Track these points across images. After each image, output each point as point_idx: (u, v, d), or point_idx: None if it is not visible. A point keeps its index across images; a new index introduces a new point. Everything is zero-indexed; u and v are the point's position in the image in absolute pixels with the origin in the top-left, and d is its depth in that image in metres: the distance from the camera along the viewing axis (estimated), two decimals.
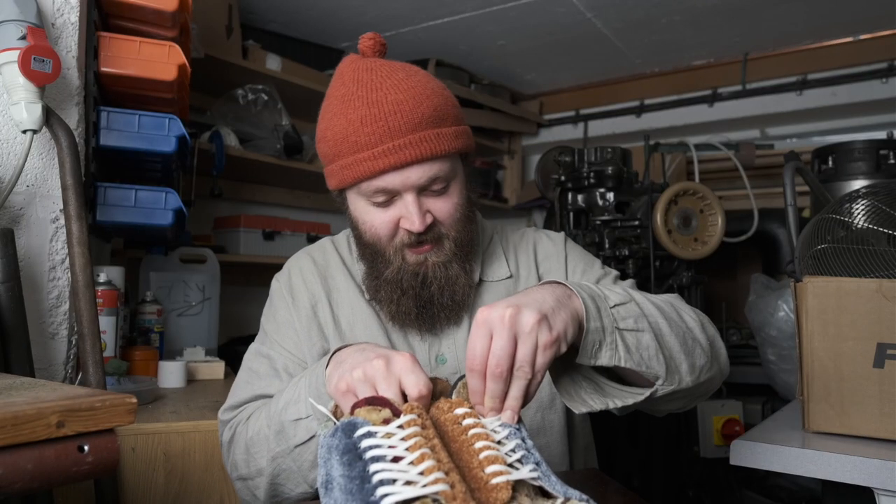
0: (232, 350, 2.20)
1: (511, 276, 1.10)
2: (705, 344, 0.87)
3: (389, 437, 0.61)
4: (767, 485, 2.41)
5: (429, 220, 0.94)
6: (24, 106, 1.14)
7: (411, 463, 0.58)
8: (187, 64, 1.44)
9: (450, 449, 0.63)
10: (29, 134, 1.17)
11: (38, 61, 1.13)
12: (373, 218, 0.96)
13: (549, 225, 2.90)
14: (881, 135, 2.10)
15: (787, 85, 2.95)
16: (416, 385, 0.69)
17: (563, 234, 1.20)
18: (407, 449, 0.59)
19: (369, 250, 0.99)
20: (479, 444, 0.63)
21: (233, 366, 1.88)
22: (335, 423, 0.67)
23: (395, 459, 0.59)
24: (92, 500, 1.13)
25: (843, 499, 1.16)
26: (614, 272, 1.15)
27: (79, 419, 0.60)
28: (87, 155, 1.36)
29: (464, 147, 0.97)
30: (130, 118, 1.38)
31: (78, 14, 1.30)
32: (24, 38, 1.14)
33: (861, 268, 1.15)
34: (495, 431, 0.67)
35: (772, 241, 2.63)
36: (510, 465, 0.62)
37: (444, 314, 1.00)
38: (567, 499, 0.60)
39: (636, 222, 2.19)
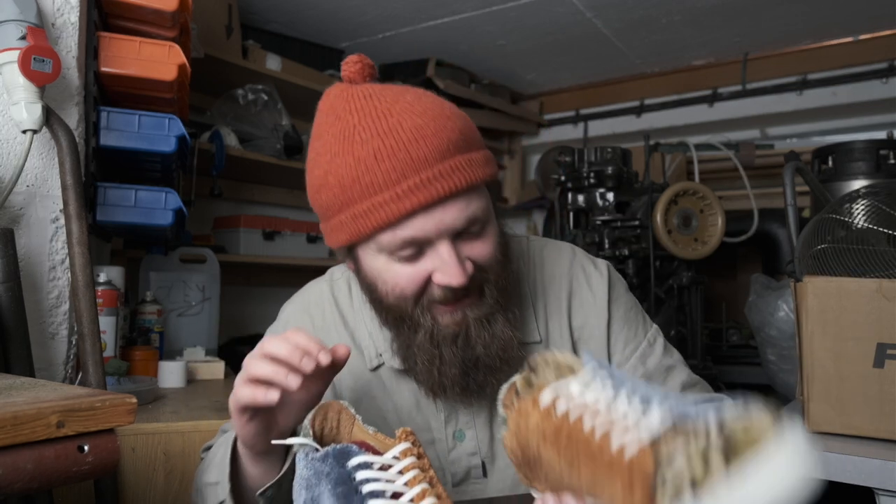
0: (232, 350, 2.20)
1: (540, 342, 0.91)
2: None
3: (386, 470, 0.59)
4: None
5: (470, 269, 0.77)
6: (24, 106, 1.14)
7: (412, 500, 0.56)
8: (187, 64, 1.44)
9: (572, 458, 0.55)
10: (29, 134, 1.17)
11: (38, 61, 1.13)
12: (396, 275, 0.78)
13: (549, 225, 2.90)
14: (881, 135, 2.10)
15: (787, 85, 2.95)
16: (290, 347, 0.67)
17: (606, 272, 0.96)
18: (405, 483, 0.58)
19: (392, 315, 0.82)
20: (587, 425, 0.54)
21: (233, 366, 1.88)
22: (316, 447, 0.65)
23: (395, 495, 0.57)
24: (92, 500, 1.13)
25: (843, 499, 1.15)
26: (659, 338, 0.97)
27: (79, 419, 0.60)
28: (87, 155, 1.35)
29: (494, 174, 0.81)
30: (130, 118, 1.37)
31: (78, 14, 1.30)
32: (24, 38, 1.14)
33: (861, 268, 1.15)
34: (587, 389, 0.56)
35: (772, 241, 2.63)
36: (632, 424, 0.51)
37: (494, 377, 0.81)
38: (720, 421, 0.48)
39: (636, 222, 2.19)
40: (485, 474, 0.89)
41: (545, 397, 0.58)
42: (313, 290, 0.97)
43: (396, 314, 0.81)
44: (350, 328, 0.92)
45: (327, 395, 0.86)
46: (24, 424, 0.56)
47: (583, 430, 0.53)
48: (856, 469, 1.02)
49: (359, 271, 0.83)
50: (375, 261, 0.79)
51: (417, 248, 0.76)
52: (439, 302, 0.78)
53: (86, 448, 0.60)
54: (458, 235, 0.77)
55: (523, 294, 0.92)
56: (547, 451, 0.57)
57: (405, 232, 0.74)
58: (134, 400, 0.64)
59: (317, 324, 0.93)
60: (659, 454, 0.48)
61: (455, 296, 0.78)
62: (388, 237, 0.75)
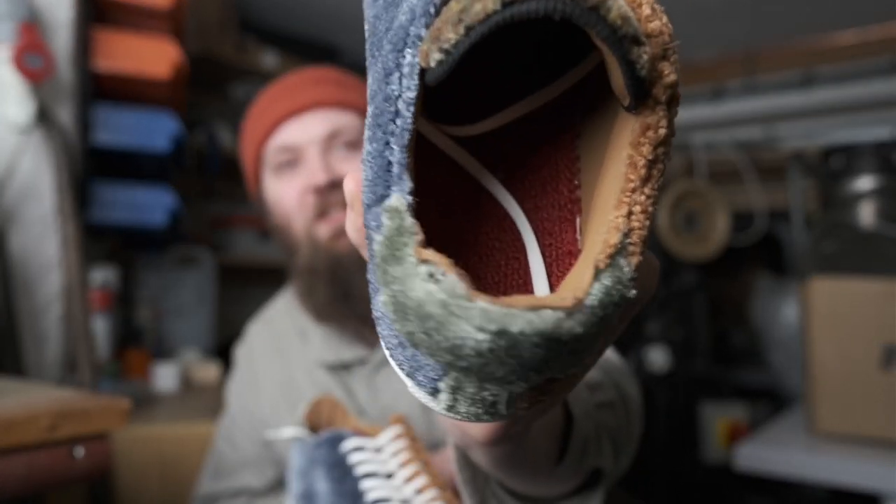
0: (228, 351, 2.18)
1: None
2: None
3: (379, 452, 0.60)
4: (771, 487, 2.40)
5: (335, 176, 0.82)
6: (16, 104, 1.13)
7: (406, 480, 0.57)
8: (183, 61, 1.42)
9: None
10: (22, 132, 1.16)
11: (31, 58, 1.12)
12: (280, 191, 0.85)
13: None
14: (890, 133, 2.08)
15: (793, 81, 2.93)
16: None
17: None
18: (399, 465, 0.58)
19: (283, 238, 0.87)
20: None
21: (228, 367, 1.86)
22: (308, 434, 0.65)
23: (389, 476, 0.58)
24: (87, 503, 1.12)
25: (849, 501, 1.14)
26: None
27: (71, 422, 0.59)
28: (81, 153, 1.34)
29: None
30: (125, 116, 1.36)
31: (71, 11, 1.28)
32: (16, 35, 1.13)
33: (868, 269, 1.14)
34: None
35: (777, 242, 2.62)
36: None
37: (368, 308, 0.78)
38: None
39: None
40: None
41: None
42: (271, 306, 1.01)
43: (286, 238, 0.86)
44: (301, 330, 0.94)
45: (297, 401, 0.88)
46: (16, 427, 0.55)
47: None
48: (862, 472, 1.00)
49: (268, 215, 0.89)
50: (269, 186, 0.87)
51: (293, 157, 0.84)
52: (316, 217, 0.82)
53: (79, 451, 0.59)
54: (330, 151, 0.83)
55: None
56: None
57: (278, 140, 0.84)
58: (127, 402, 0.63)
59: (274, 333, 0.95)
60: None
61: (326, 206, 0.82)
62: (270, 150, 0.85)
